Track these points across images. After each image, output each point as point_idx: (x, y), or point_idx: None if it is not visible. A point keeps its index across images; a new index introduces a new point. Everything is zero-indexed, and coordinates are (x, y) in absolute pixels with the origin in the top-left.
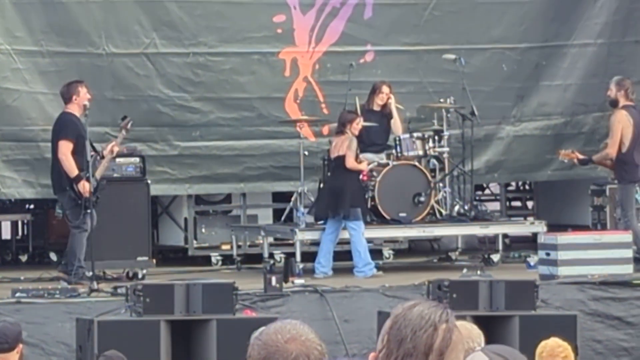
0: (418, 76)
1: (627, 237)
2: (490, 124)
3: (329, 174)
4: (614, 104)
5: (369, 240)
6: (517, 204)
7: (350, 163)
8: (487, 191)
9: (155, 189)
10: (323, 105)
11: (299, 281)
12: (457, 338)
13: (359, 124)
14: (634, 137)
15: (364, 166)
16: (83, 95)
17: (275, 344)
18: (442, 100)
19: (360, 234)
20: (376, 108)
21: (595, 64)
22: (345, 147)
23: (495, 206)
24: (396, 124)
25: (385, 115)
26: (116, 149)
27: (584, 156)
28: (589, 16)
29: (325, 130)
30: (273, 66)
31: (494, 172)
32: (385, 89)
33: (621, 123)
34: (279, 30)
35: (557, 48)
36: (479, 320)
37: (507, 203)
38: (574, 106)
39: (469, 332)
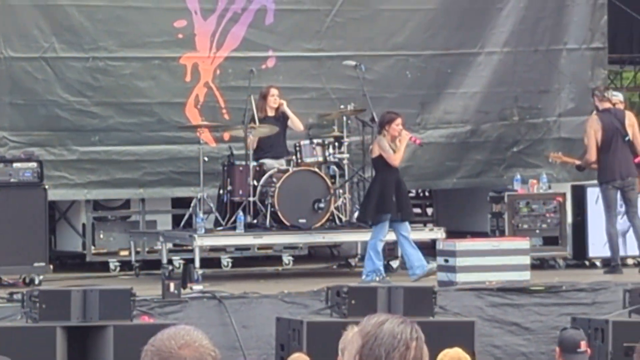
0: (320, 82)
1: (524, 244)
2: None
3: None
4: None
5: (268, 247)
6: (417, 210)
7: (393, 161)
8: None
9: (54, 194)
10: (224, 111)
11: (197, 287)
12: (425, 352)
13: (398, 125)
14: (602, 140)
15: (400, 152)
16: None
17: (169, 350)
18: (342, 106)
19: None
20: (270, 113)
21: (502, 73)
22: (376, 149)
23: None
24: (294, 122)
25: (280, 120)
26: None
27: (579, 162)
28: (495, 25)
29: (227, 136)
30: (174, 71)
31: None
32: (273, 91)
33: (592, 128)
34: (180, 36)
35: (462, 56)
36: None
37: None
38: (480, 114)
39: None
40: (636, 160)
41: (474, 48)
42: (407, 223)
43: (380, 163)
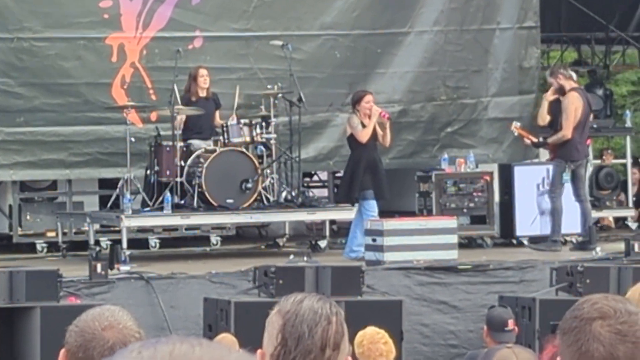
0: (249, 62)
1: (451, 222)
2: (324, 111)
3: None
4: (562, 91)
5: (196, 227)
6: None
7: (360, 137)
8: (315, 178)
9: None
10: (151, 91)
11: (124, 268)
12: (345, 327)
13: (368, 102)
14: (581, 118)
15: (369, 128)
16: None
17: (92, 332)
18: (269, 87)
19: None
20: (201, 94)
21: (432, 52)
22: (347, 127)
23: (323, 193)
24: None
25: (209, 100)
26: None
27: (537, 140)
28: (424, 3)
29: (154, 116)
30: (99, 52)
31: (329, 160)
32: (202, 71)
33: (574, 104)
34: (106, 16)
35: (391, 35)
36: None
37: (335, 190)
38: (411, 94)
39: None
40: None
41: (404, 27)
42: (375, 202)
43: (353, 141)
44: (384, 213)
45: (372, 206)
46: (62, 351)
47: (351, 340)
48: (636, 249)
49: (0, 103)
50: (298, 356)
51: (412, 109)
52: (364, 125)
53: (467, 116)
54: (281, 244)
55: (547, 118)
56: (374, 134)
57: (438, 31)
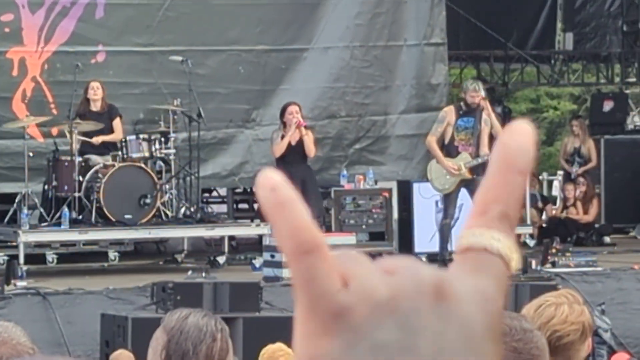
0: (152, 77)
1: (350, 239)
2: (228, 127)
3: None
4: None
5: (94, 242)
6: (245, 206)
7: (273, 151)
8: (214, 193)
9: None
10: (52, 106)
11: (21, 283)
12: (230, 343)
13: (291, 112)
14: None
15: (284, 141)
16: None
17: None
18: (174, 102)
19: None
20: (94, 108)
21: (338, 68)
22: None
23: (222, 208)
24: (308, 148)
25: (104, 114)
26: None
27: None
28: (329, 20)
29: (55, 131)
30: (0, 65)
31: (234, 176)
32: (93, 84)
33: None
34: (7, 30)
35: (296, 52)
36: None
37: (235, 205)
38: (317, 110)
39: None
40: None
41: (308, 44)
42: None
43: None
44: None
45: None
46: None
47: (255, 355)
48: (533, 266)
49: None
50: None
51: (318, 125)
52: None
53: (375, 133)
54: (180, 259)
55: None
56: (300, 147)
57: (344, 47)
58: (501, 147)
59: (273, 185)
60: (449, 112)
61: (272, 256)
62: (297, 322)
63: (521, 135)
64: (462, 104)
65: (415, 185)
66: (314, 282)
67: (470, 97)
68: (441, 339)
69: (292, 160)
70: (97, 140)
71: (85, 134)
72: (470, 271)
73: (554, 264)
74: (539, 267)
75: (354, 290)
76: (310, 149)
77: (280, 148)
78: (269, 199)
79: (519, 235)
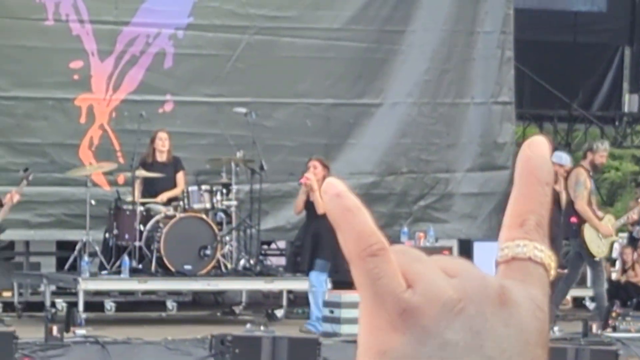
0: (219, 128)
1: None
2: (295, 180)
3: None
4: None
5: (153, 292)
6: None
7: (294, 210)
8: (273, 245)
9: None
10: (119, 154)
11: (80, 331)
12: None
13: (309, 168)
14: None
15: (299, 199)
16: None
17: None
18: (234, 153)
19: None
20: (160, 158)
21: (405, 124)
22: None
23: (281, 261)
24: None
25: (169, 165)
26: (17, 198)
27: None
28: (398, 75)
29: (121, 179)
30: (68, 112)
31: (297, 229)
32: (161, 134)
33: None
34: (76, 77)
35: (364, 106)
36: None
37: (293, 258)
38: (384, 166)
39: None
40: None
41: (377, 98)
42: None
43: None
44: (341, 284)
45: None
46: None
47: None
48: (594, 330)
49: None
50: None
51: (384, 180)
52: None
53: (440, 190)
54: (237, 311)
55: None
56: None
57: (411, 103)
58: (525, 160)
59: (338, 192)
60: (587, 176)
61: (331, 312)
62: (363, 318)
63: (540, 147)
64: (588, 165)
65: (476, 244)
66: (380, 282)
67: (600, 158)
68: (504, 341)
69: (309, 215)
70: (162, 199)
71: (147, 182)
72: (520, 280)
73: (614, 329)
74: (599, 332)
75: (422, 291)
76: (318, 204)
77: (296, 205)
78: (336, 204)
79: (578, 298)
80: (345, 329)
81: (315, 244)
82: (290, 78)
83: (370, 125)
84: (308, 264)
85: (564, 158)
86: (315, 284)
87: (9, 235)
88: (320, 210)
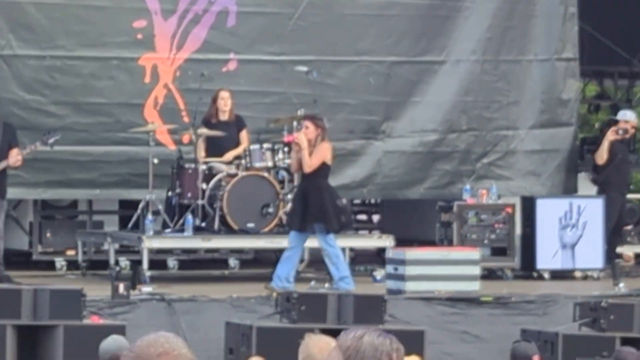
0: (283, 87)
1: (474, 254)
2: (355, 139)
3: None
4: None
5: (215, 250)
6: (363, 217)
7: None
8: None
9: (9, 193)
10: (183, 113)
11: (146, 289)
12: None
13: (303, 126)
14: None
15: (293, 158)
16: None
17: (148, 358)
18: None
19: None
20: (222, 117)
21: (469, 82)
22: None
23: None
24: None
25: (232, 124)
26: (16, 160)
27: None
28: (461, 32)
29: (186, 138)
30: (132, 72)
31: (363, 188)
32: (223, 94)
33: None
34: (139, 36)
35: (427, 64)
36: (326, 334)
37: (353, 216)
38: (447, 124)
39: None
40: None
41: (440, 56)
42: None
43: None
44: (404, 242)
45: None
46: None
47: None
48: None
49: (31, 121)
50: None
51: (447, 138)
52: None
53: (503, 147)
54: (300, 269)
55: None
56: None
57: (474, 61)
58: None
59: None
60: None
61: (395, 269)
62: None
63: None
64: None
65: (539, 202)
66: None
67: None
68: None
69: (302, 175)
70: (227, 158)
71: (210, 141)
72: None
73: None
74: None
75: None
76: (305, 163)
77: (292, 163)
78: None
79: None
80: (409, 286)
81: (305, 205)
82: (352, 36)
83: (434, 83)
84: (298, 224)
85: (629, 114)
86: (325, 247)
87: (74, 194)
88: (306, 169)
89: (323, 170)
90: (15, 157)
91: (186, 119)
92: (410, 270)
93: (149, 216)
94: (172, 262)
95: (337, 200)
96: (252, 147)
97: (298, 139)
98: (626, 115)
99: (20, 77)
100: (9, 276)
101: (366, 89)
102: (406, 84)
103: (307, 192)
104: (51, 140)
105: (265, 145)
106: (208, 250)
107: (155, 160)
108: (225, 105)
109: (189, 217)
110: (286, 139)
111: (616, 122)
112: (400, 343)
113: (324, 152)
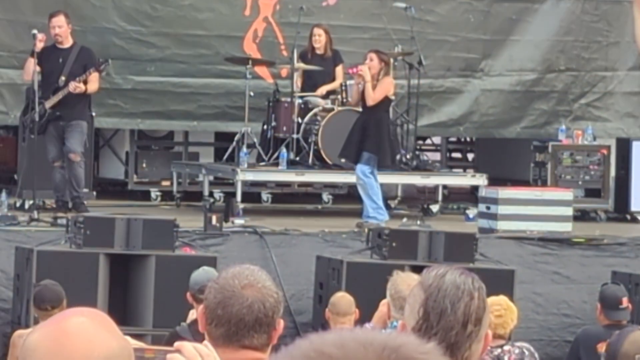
0: (382, 22)
1: (567, 195)
2: (456, 76)
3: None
4: None
5: (309, 184)
6: (457, 155)
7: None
8: (428, 141)
9: (107, 122)
10: (282, 47)
11: (239, 221)
12: (487, 302)
13: (367, 58)
14: None
15: (354, 91)
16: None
17: (232, 289)
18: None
19: None
20: (318, 52)
21: (569, 22)
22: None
23: (435, 156)
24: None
25: (328, 59)
26: (76, 86)
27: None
28: None
29: (284, 72)
30: (233, 4)
31: (459, 126)
32: (316, 30)
33: None
34: None
35: (528, 2)
36: (416, 271)
37: (448, 154)
38: (546, 63)
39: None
40: None
41: None
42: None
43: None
44: (497, 181)
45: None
46: (201, 307)
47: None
48: None
49: (131, 51)
50: (440, 331)
51: (546, 78)
52: None
53: (601, 89)
54: (392, 205)
55: None
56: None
57: (575, 0)
58: None
59: None
60: None
61: (488, 208)
62: None
63: None
64: None
65: (635, 144)
66: None
67: None
68: None
69: (363, 107)
70: (321, 92)
71: (306, 75)
72: None
73: None
74: None
75: None
76: (368, 96)
77: (352, 95)
78: None
79: None
80: (501, 224)
81: (362, 136)
82: None
83: (533, 22)
84: (354, 155)
85: None
86: (362, 177)
87: (171, 125)
88: (369, 102)
89: (385, 104)
90: (74, 85)
91: (285, 53)
92: (502, 210)
93: (244, 149)
94: (265, 195)
95: (393, 137)
96: (349, 82)
97: (362, 71)
98: None
99: (121, 7)
100: (85, 206)
101: (465, 27)
102: (506, 22)
103: (366, 124)
104: (102, 67)
105: None
106: (301, 185)
107: (252, 93)
108: (318, 42)
109: (284, 150)
110: (350, 70)
111: None
112: (490, 282)
113: (388, 86)
